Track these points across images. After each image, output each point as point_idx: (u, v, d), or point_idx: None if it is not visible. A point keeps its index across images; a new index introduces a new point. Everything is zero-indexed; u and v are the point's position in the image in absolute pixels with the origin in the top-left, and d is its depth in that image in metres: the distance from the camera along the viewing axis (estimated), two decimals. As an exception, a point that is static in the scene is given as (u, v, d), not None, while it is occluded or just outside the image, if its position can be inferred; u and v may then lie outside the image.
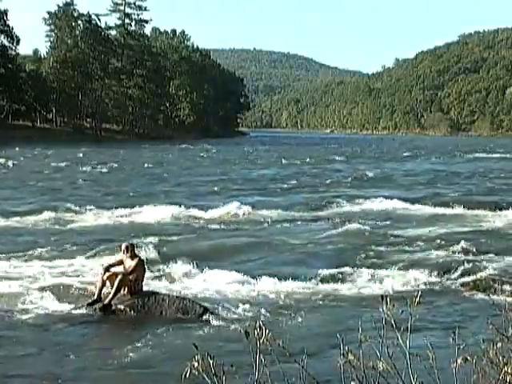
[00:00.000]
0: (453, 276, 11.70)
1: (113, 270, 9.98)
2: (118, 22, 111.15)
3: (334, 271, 11.89)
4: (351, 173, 37.22)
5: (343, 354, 2.70)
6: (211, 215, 19.35)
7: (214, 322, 9.02)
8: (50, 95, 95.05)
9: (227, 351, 7.27)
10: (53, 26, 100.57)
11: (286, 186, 29.26)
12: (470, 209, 20.23)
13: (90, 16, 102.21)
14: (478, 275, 11.59)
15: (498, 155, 63.17)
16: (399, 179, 33.54)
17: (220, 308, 9.59)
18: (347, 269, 11.98)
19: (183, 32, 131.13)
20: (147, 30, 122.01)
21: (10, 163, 40.01)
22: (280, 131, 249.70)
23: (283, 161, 49.35)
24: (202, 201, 22.21)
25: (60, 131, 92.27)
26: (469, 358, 2.88)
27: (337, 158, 55.52)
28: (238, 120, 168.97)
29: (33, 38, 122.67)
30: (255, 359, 2.60)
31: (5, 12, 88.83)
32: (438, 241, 14.88)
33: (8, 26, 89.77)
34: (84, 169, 37.91)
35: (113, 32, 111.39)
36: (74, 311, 9.52)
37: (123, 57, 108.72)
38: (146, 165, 41.63)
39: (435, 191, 26.32)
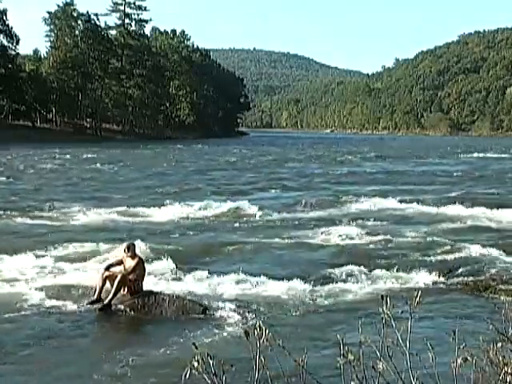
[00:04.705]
0: (453, 276, 11.70)
1: (113, 269, 9.98)
2: (118, 22, 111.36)
3: (334, 271, 11.89)
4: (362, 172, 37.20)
5: (343, 354, 2.70)
6: (211, 214, 19.37)
7: (214, 322, 9.01)
8: (49, 95, 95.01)
9: (227, 351, 7.27)
10: (53, 26, 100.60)
11: (290, 185, 29.27)
12: (469, 208, 20.22)
13: (89, 16, 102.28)
14: (478, 275, 11.59)
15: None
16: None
17: (220, 308, 9.58)
18: (347, 269, 11.97)
19: (183, 32, 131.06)
20: (147, 29, 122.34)
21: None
22: (280, 131, 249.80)
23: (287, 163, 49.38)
24: (201, 200, 22.19)
25: (60, 131, 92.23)
26: (469, 358, 2.88)
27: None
28: (238, 120, 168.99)
29: (33, 38, 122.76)
30: (255, 359, 2.60)
31: (4, 12, 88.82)
32: (438, 240, 14.88)
33: (7, 25, 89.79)
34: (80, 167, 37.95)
35: (113, 32, 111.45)
36: (74, 311, 9.51)
37: (123, 57, 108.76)
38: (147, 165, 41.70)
39: (434, 191, 26.31)
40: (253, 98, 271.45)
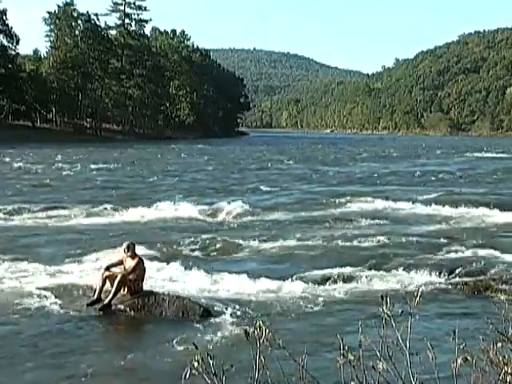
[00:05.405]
0: (453, 276, 11.69)
1: (113, 269, 9.98)
2: (118, 22, 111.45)
3: (333, 271, 11.87)
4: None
5: (343, 354, 2.70)
6: (211, 214, 19.37)
7: (214, 322, 9.01)
8: (49, 95, 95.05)
9: (227, 351, 7.27)
10: (53, 26, 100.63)
11: (287, 185, 29.24)
12: (469, 208, 20.21)
13: (89, 16, 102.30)
14: (478, 275, 11.59)
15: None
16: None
17: (220, 308, 9.58)
18: (347, 269, 11.97)
19: (183, 32, 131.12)
20: (147, 29, 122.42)
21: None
22: (280, 131, 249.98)
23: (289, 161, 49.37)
24: (201, 200, 22.17)
25: (60, 131, 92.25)
26: (469, 358, 2.88)
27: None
28: (238, 120, 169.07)
29: (33, 38, 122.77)
30: (255, 359, 2.60)
31: (4, 12, 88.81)
32: (438, 241, 14.87)
33: (7, 25, 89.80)
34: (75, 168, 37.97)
35: (113, 32, 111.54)
36: (74, 311, 9.51)
37: (123, 57, 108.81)
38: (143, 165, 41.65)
39: (431, 191, 26.29)
40: (253, 98, 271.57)
